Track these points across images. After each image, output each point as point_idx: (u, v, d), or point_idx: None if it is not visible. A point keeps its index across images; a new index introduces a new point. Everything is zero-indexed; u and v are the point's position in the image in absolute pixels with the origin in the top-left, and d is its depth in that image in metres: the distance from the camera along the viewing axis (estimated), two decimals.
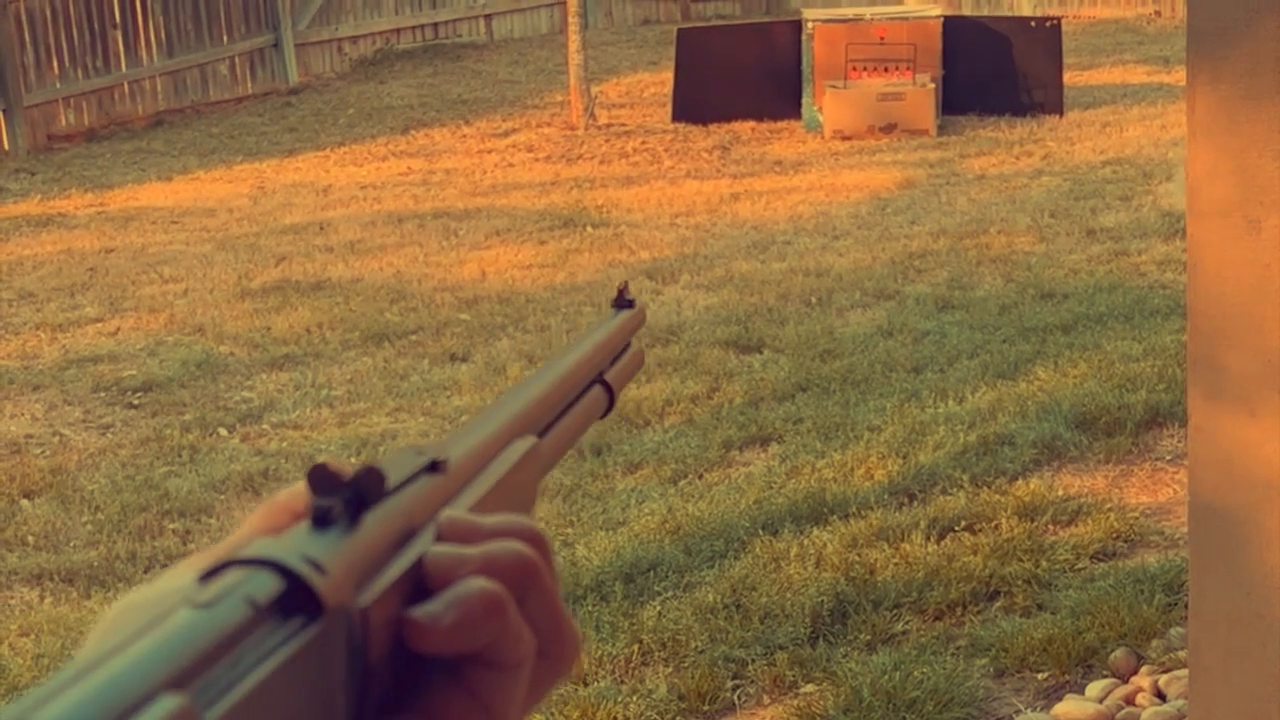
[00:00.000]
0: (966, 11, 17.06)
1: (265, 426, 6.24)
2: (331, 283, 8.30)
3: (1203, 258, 2.81)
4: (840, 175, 10.48)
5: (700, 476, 5.45)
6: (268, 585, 0.46)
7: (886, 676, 3.94)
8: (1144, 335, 6.52)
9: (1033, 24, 12.73)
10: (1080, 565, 4.59)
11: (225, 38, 15.28)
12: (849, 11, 12.65)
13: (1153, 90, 12.99)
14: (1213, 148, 2.76)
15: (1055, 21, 12.46)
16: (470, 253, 8.85)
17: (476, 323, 7.45)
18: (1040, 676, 4.03)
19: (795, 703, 3.95)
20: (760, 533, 4.84)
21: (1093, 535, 4.75)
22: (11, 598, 4.85)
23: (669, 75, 12.93)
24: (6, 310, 8.14)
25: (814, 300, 7.51)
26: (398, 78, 15.89)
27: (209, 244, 9.40)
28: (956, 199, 9.61)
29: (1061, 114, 12.03)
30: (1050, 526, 4.86)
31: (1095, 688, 3.94)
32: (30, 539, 5.24)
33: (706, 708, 3.98)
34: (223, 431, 6.19)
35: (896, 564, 4.57)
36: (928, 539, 4.73)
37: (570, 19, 12.77)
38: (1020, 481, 5.17)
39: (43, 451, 6.06)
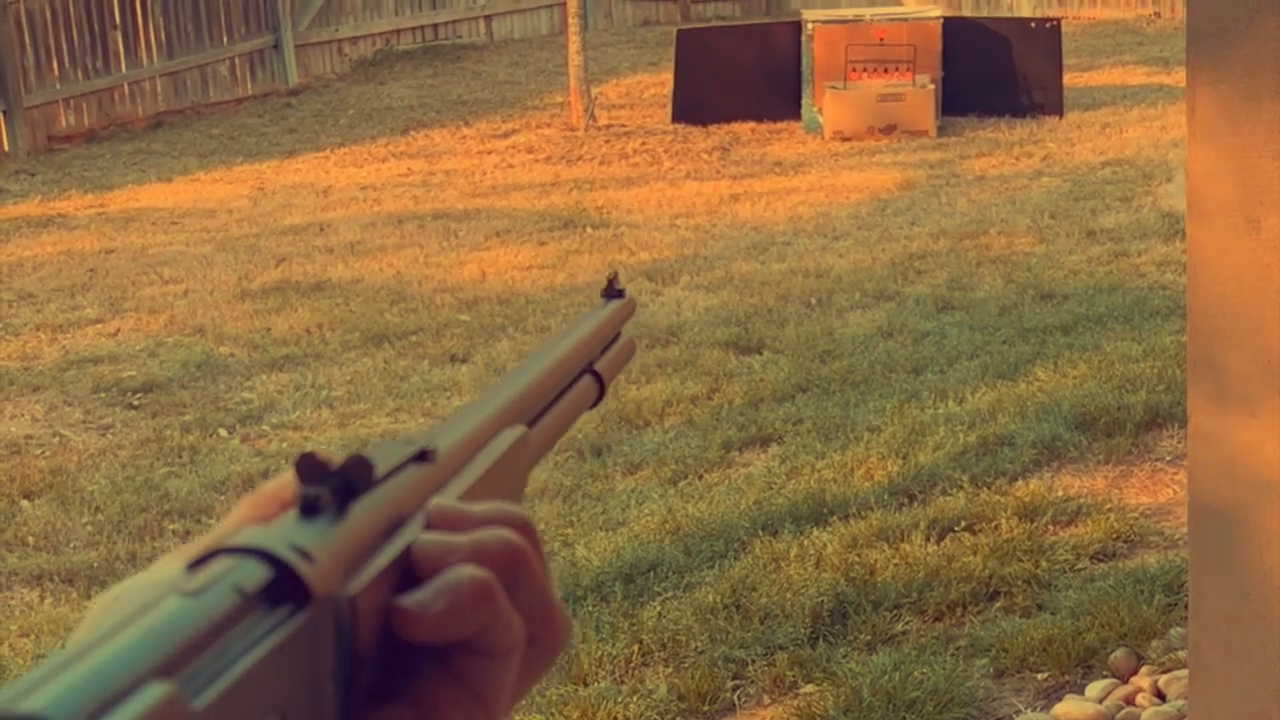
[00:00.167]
0: (966, 12, 17.07)
1: (265, 427, 6.24)
2: (331, 284, 8.30)
3: (1203, 258, 2.81)
4: (840, 176, 10.48)
5: (700, 477, 5.45)
6: (256, 573, 0.46)
7: (886, 677, 3.94)
8: (1144, 336, 6.52)
9: (1032, 25, 12.73)
10: (1080, 566, 4.58)
11: (225, 39, 15.28)
12: (849, 12, 12.65)
13: (1152, 91, 12.99)
14: (1213, 148, 2.76)
15: (1055, 22, 12.47)
16: (470, 254, 8.85)
17: (476, 324, 7.46)
18: (1040, 677, 4.03)
19: (795, 703, 3.95)
20: (760, 533, 4.84)
21: (1093, 536, 4.75)
22: (11, 598, 4.85)
23: (669, 76, 12.93)
24: (6, 311, 8.14)
25: (814, 301, 7.51)
26: (398, 79, 15.90)
27: (209, 245, 9.40)
28: (956, 200, 9.61)
29: (1061, 115, 12.03)
30: (1050, 527, 4.86)
31: (1095, 688, 3.94)
32: (30, 540, 5.24)
33: (706, 708, 3.98)
34: (223, 432, 6.19)
35: (896, 564, 4.57)
36: (928, 539, 4.73)
37: (570, 20, 12.77)
38: (1020, 482, 5.17)
39: (43, 452, 6.06)
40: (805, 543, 4.75)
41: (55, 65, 13.80)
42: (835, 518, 4.93)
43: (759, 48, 12.48)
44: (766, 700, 4.00)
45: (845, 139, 11.62)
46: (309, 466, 0.50)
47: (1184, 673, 3.51)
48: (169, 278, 8.62)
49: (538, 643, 0.55)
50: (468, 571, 0.51)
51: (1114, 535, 4.77)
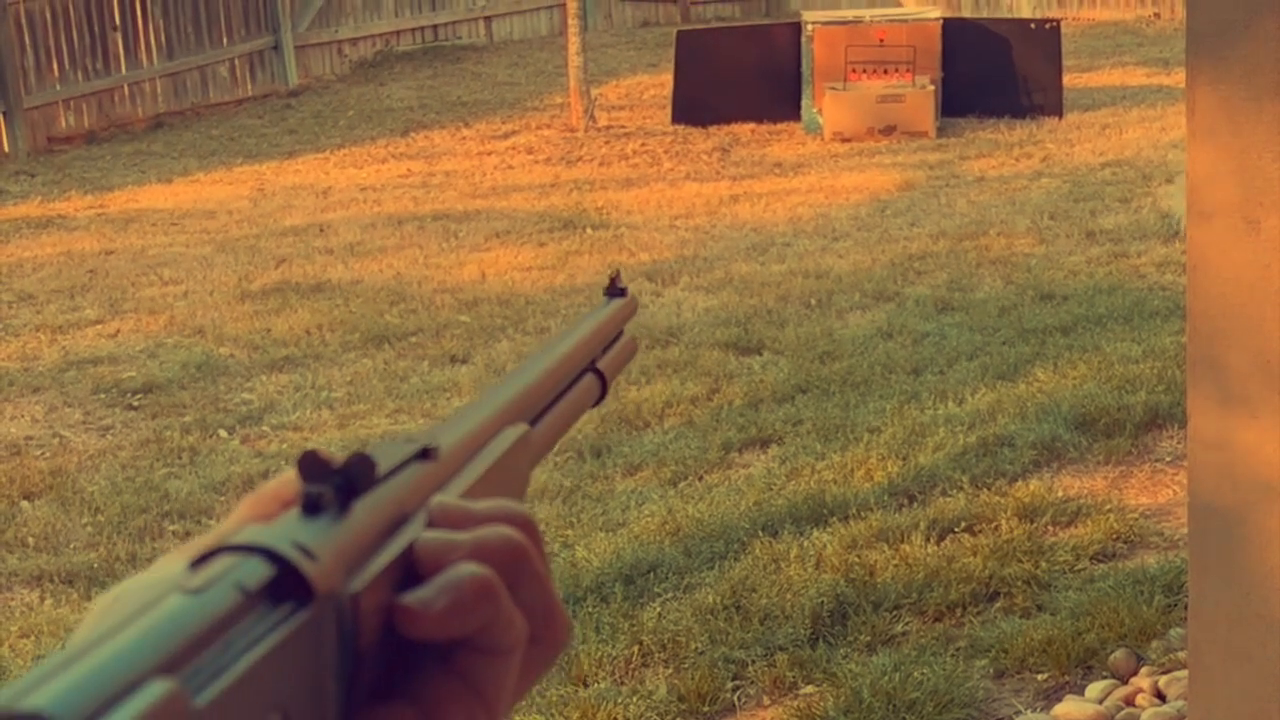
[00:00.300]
0: (966, 13, 17.08)
1: (265, 428, 6.24)
2: (331, 284, 8.30)
3: (1202, 258, 2.81)
4: (840, 177, 10.48)
5: (700, 478, 5.45)
6: (258, 571, 0.46)
7: (886, 677, 3.94)
8: (1143, 337, 6.52)
9: (1032, 26, 12.74)
10: (1080, 566, 4.58)
11: (225, 40, 15.28)
12: (848, 13, 12.66)
13: (1152, 92, 12.99)
14: (1213, 148, 2.76)
15: (1054, 23, 12.47)
16: (470, 254, 8.85)
17: (476, 324, 7.46)
18: (1040, 677, 4.03)
19: (795, 704, 3.95)
20: (760, 534, 4.84)
21: (1092, 536, 4.75)
22: (12, 599, 4.85)
23: (669, 77, 12.93)
24: (6, 312, 8.14)
25: (814, 302, 7.51)
26: (397, 80, 15.90)
27: (209, 246, 9.40)
28: (956, 201, 9.61)
29: (1061, 116, 12.03)
30: (1050, 527, 4.86)
31: (1095, 689, 3.94)
32: (30, 540, 5.24)
33: (706, 709, 3.98)
34: (223, 433, 6.19)
35: (896, 565, 4.57)
36: (927, 540, 4.73)
37: (570, 21, 12.77)
38: (1020, 483, 5.17)
39: (43, 453, 6.06)
40: (805, 543, 4.75)
41: (55, 66, 13.80)
42: (835, 518, 4.93)
43: (759, 49, 12.48)
44: (766, 701, 4.00)
45: (845, 140, 11.62)
46: (311, 465, 0.50)
47: (1184, 673, 3.51)
48: (169, 279, 8.62)
49: (539, 641, 0.55)
50: (470, 569, 0.51)
51: (1114, 536, 4.77)
